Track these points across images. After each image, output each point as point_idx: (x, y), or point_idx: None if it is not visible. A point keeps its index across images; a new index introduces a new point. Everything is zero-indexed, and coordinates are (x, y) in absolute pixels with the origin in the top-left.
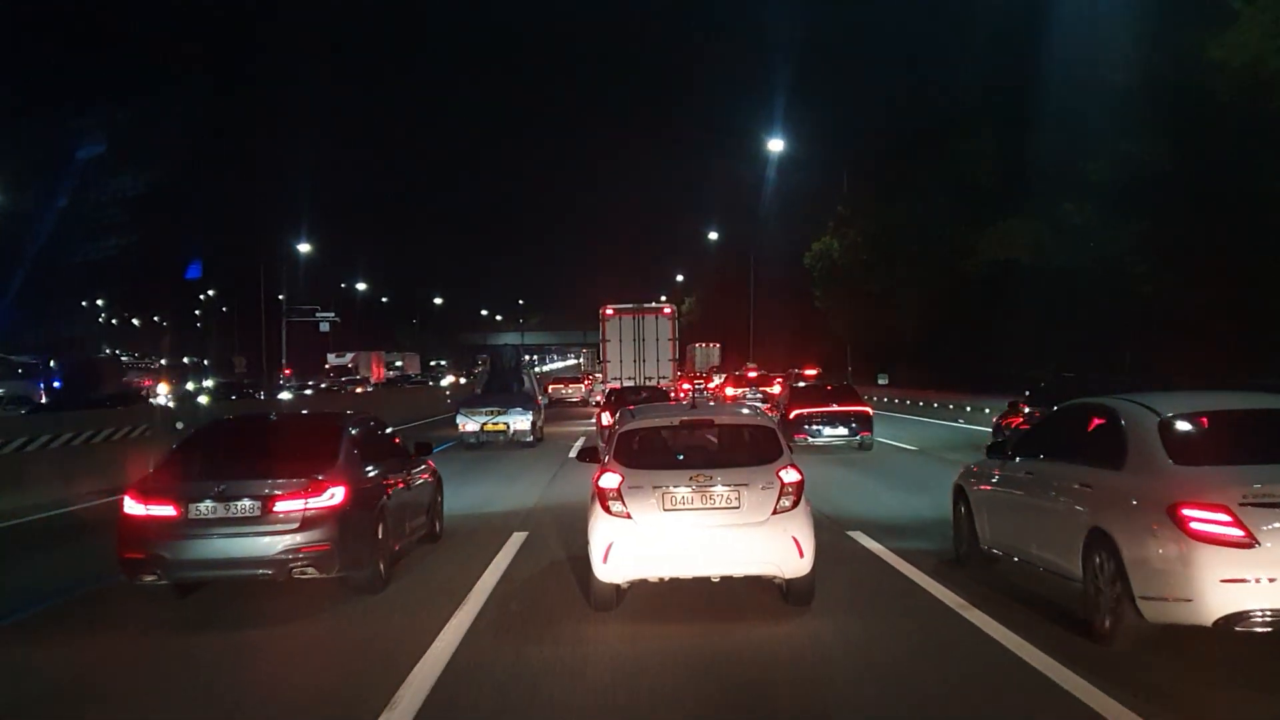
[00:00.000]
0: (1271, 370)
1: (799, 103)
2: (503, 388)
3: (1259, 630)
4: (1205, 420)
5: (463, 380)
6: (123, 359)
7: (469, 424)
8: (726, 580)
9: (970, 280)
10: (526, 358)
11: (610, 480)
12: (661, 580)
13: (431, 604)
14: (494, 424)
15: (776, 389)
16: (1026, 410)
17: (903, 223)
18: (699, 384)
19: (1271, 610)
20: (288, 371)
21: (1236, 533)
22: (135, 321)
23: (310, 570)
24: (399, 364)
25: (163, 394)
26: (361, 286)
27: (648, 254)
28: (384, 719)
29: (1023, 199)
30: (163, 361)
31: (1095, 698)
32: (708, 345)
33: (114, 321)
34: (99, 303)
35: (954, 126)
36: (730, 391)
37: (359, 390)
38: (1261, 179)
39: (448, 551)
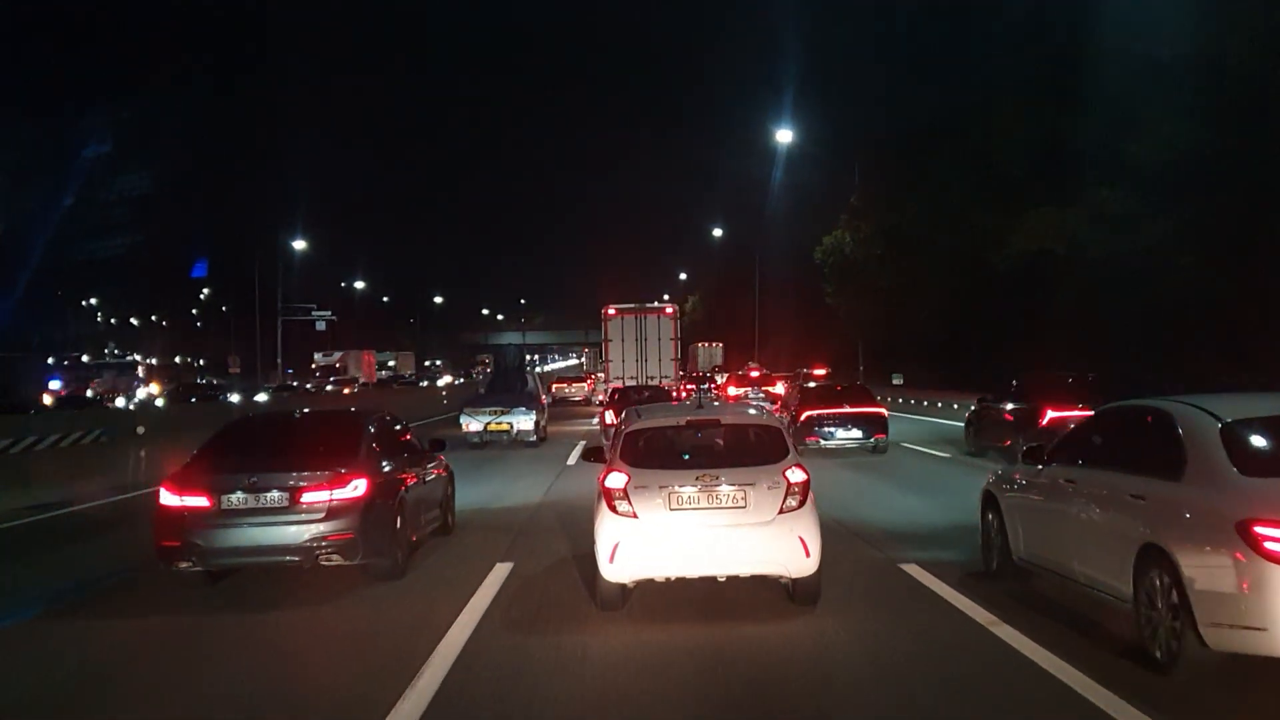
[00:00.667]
0: None
1: (809, 92)
2: (506, 387)
3: None
4: (1272, 426)
5: (459, 381)
6: (80, 359)
7: (472, 424)
8: (733, 580)
9: (996, 274)
10: (530, 357)
11: (616, 480)
12: (668, 580)
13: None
14: (497, 424)
15: (780, 389)
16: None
17: (922, 214)
18: (705, 386)
19: None
20: (315, 369)
21: None
22: (134, 321)
23: (335, 557)
24: (391, 363)
25: (154, 394)
26: (360, 285)
27: (650, 253)
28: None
29: (1056, 186)
30: (152, 361)
31: None
32: (710, 345)
33: (113, 321)
34: (92, 301)
35: (981, 110)
36: (733, 391)
37: (347, 390)
38: None
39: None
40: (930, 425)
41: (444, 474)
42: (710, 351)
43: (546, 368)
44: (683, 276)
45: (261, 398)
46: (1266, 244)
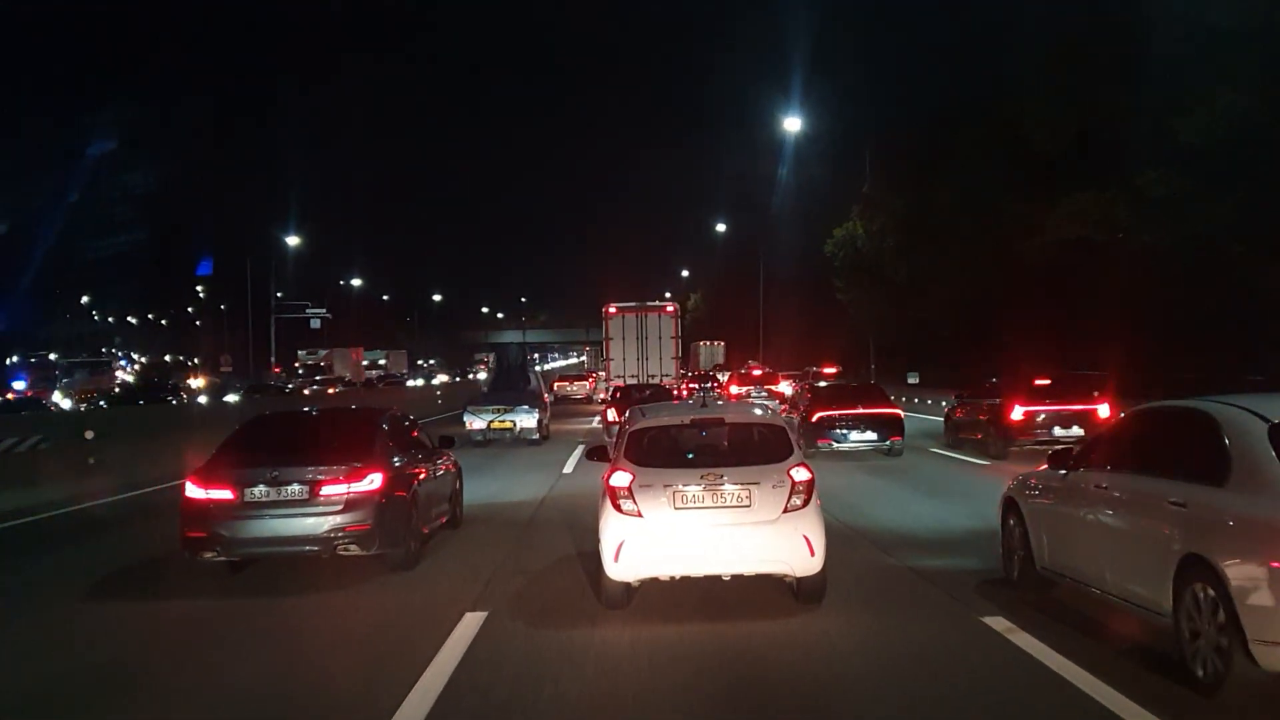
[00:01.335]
0: None
1: (818, 79)
2: (510, 386)
3: None
4: None
5: (455, 380)
6: (48, 358)
7: (475, 422)
8: (737, 578)
9: (1026, 265)
10: (530, 356)
11: (621, 479)
12: (672, 579)
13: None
14: (500, 422)
15: (783, 388)
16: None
17: (945, 200)
18: (708, 385)
19: None
20: (277, 369)
21: None
22: (132, 320)
23: (353, 547)
24: (382, 362)
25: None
26: (359, 283)
27: (652, 250)
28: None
29: (1096, 167)
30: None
31: None
32: (712, 343)
33: (110, 319)
34: (84, 300)
35: (1013, 86)
36: (735, 390)
37: (331, 390)
38: None
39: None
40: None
41: (453, 469)
42: (712, 350)
43: (547, 366)
44: (685, 274)
45: (232, 398)
46: None
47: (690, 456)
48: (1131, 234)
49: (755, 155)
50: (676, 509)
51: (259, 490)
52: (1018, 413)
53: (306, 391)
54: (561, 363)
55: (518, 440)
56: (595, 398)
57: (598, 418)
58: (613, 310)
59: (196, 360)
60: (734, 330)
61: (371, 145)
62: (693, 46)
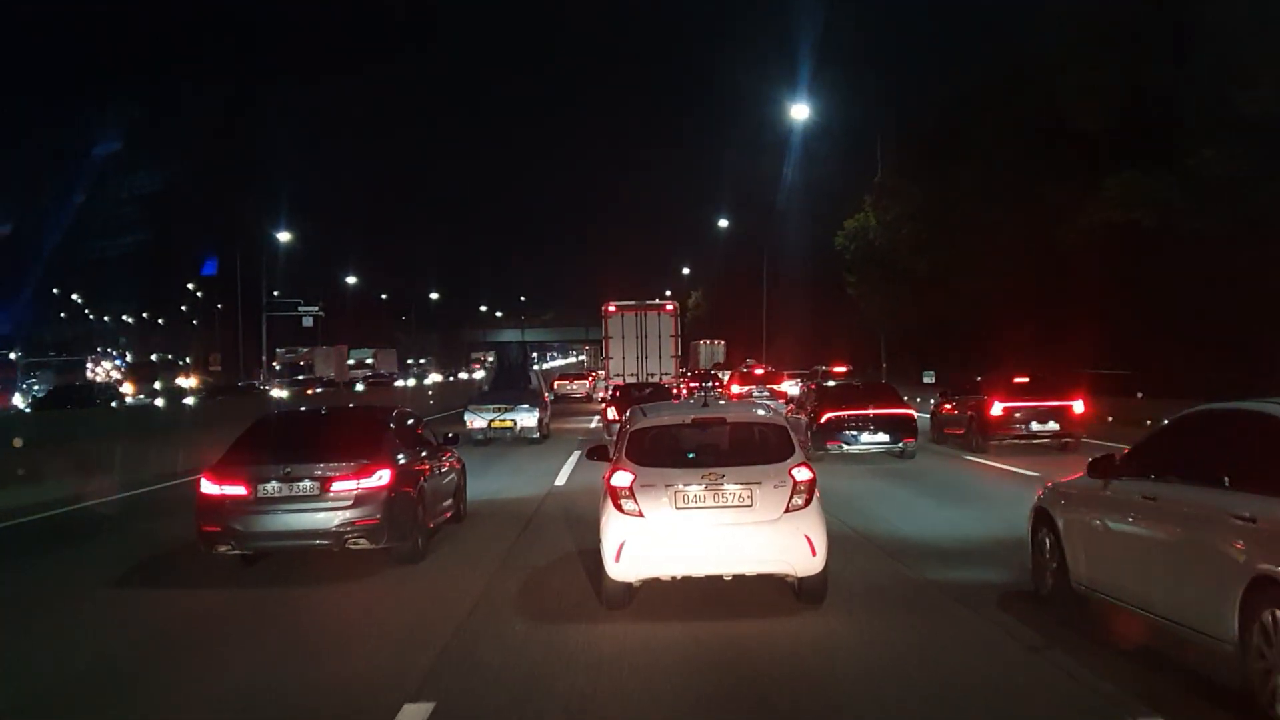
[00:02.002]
0: None
1: (826, 69)
2: (510, 385)
3: None
4: None
5: (450, 379)
6: (7, 357)
7: (476, 420)
8: (739, 578)
9: (1059, 253)
10: (532, 355)
11: (622, 478)
12: (674, 579)
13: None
14: (501, 421)
15: (786, 387)
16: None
17: (966, 187)
18: (709, 384)
19: None
20: (276, 367)
21: None
22: (127, 319)
23: (362, 541)
24: (369, 361)
25: (128, 394)
26: (354, 281)
27: (653, 248)
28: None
29: (1143, 146)
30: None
31: None
32: (712, 342)
33: (105, 319)
34: (75, 298)
35: (1049, 61)
36: (736, 390)
37: (310, 391)
38: None
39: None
40: None
41: (457, 466)
42: (712, 349)
43: (546, 365)
44: (685, 271)
45: (189, 401)
46: None
47: (691, 456)
48: (1181, 219)
49: (758, 153)
50: (678, 509)
51: (272, 486)
52: (997, 409)
53: (279, 394)
54: (561, 361)
55: (518, 439)
56: (595, 396)
57: (598, 417)
58: (612, 309)
59: (188, 359)
60: (736, 329)
61: (371, 145)
62: (693, 45)
